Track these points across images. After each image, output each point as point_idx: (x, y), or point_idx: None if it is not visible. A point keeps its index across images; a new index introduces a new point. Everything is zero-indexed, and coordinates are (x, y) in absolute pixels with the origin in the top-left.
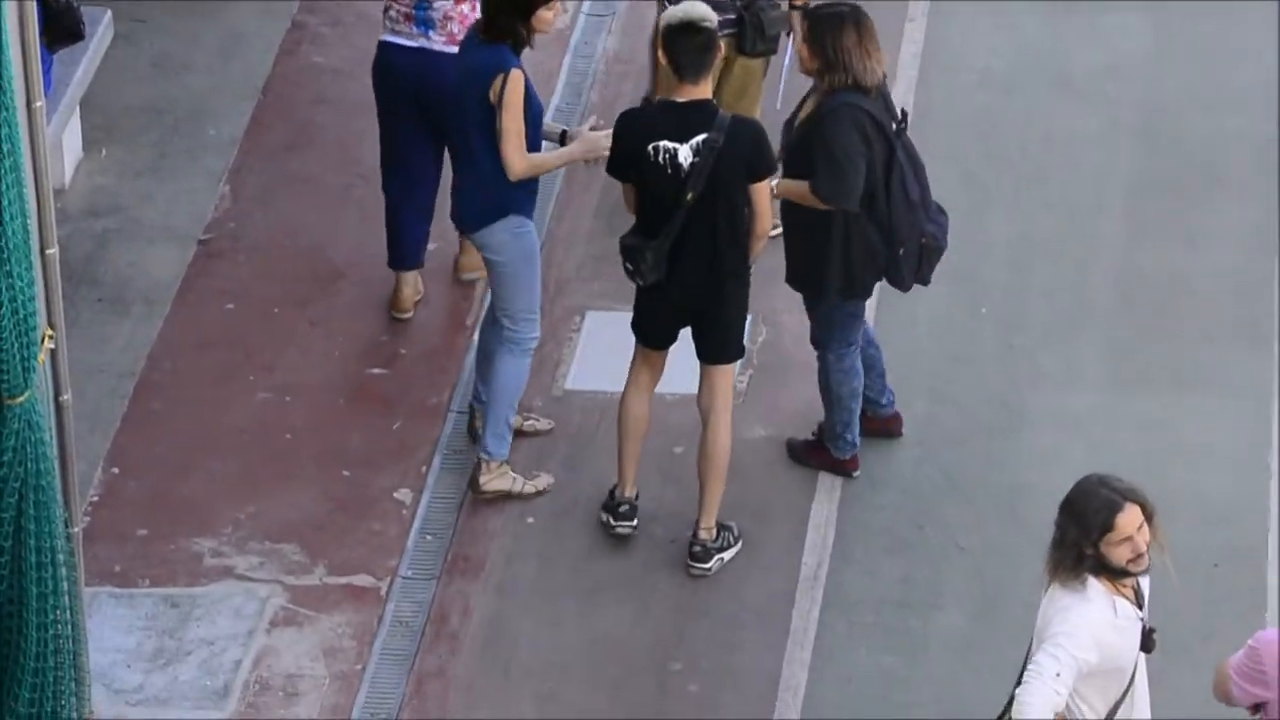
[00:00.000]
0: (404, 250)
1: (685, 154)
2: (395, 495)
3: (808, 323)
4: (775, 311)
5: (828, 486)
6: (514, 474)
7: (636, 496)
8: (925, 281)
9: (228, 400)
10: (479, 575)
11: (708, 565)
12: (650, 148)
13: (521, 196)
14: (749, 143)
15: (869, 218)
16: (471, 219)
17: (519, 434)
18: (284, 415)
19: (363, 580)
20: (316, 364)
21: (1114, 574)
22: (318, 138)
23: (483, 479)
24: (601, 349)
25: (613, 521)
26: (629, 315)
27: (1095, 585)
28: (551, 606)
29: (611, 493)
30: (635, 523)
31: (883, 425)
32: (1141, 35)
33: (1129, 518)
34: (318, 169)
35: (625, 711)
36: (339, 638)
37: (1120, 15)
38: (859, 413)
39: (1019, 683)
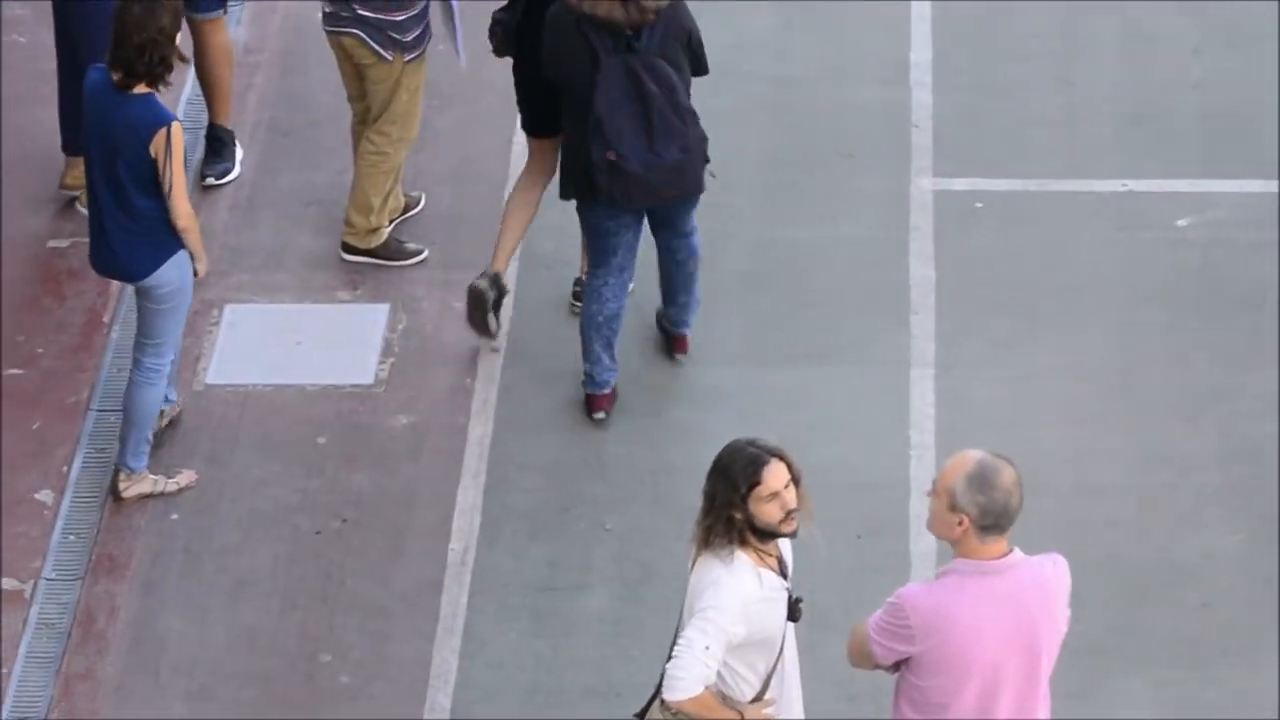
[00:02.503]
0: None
1: None
2: (36, 496)
3: (448, 307)
4: (415, 299)
5: (473, 471)
6: (153, 475)
7: (499, 276)
8: (614, 204)
9: None
10: (124, 574)
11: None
12: None
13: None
14: None
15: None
16: (143, 267)
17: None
18: None
19: (7, 584)
20: None
21: (763, 536)
22: None
23: (122, 486)
24: (241, 342)
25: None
26: (269, 307)
27: (742, 558)
28: (199, 603)
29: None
30: (488, 289)
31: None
32: (769, 10)
33: (776, 472)
34: None
35: (277, 705)
36: None
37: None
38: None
39: (670, 658)
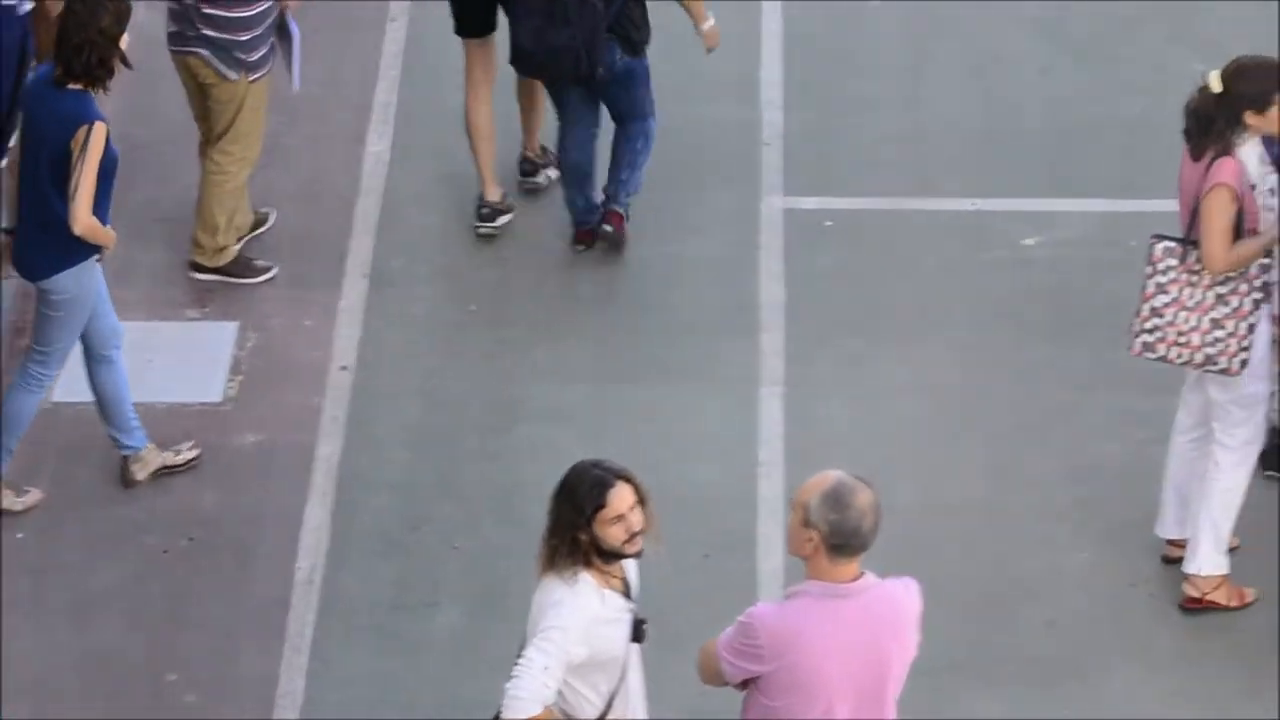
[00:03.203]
0: None
1: None
2: None
3: (298, 324)
4: (264, 316)
5: (321, 490)
6: (163, 452)
7: (501, 198)
8: (519, 72)
9: None
10: None
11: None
12: None
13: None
14: None
15: None
16: (42, 267)
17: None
18: None
19: None
20: None
21: (607, 557)
22: None
23: (135, 469)
24: None
25: (476, 223)
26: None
27: (586, 578)
28: (44, 622)
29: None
30: (497, 224)
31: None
32: None
33: (621, 494)
34: None
35: None
36: None
37: None
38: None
39: (510, 677)
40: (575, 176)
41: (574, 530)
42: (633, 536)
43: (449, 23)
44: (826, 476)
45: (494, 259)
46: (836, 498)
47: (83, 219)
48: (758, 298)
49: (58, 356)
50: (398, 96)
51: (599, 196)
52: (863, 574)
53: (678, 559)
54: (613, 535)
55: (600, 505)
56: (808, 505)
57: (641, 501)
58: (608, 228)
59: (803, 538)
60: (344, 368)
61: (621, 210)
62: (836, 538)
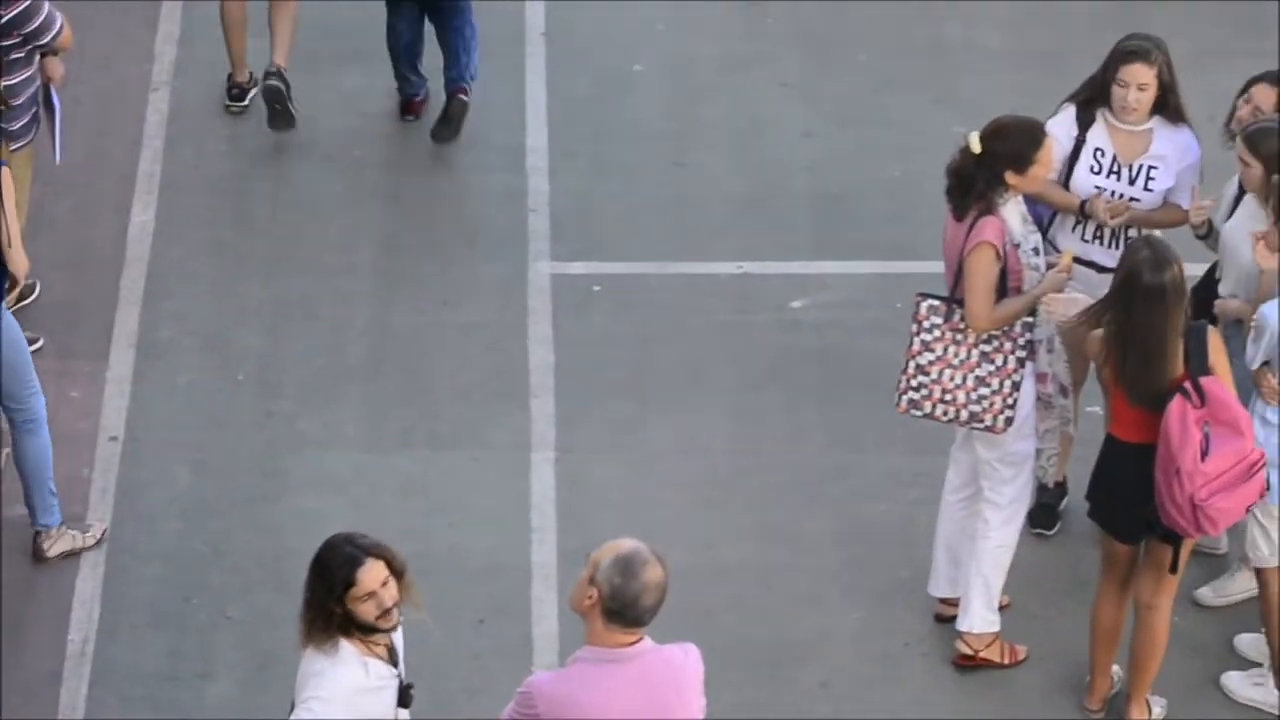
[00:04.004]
0: None
1: None
2: None
3: (65, 396)
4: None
5: (91, 561)
6: (71, 531)
7: (248, 80)
8: None
9: None
10: None
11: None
12: None
13: None
14: None
15: None
16: None
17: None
18: None
19: None
20: None
21: (364, 631)
22: None
23: (45, 545)
24: None
25: (227, 101)
26: None
27: (347, 647)
28: None
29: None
30: (245, 102)
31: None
32: (388, 96)
33: (371, 573)
34: None
35: None
36: None
37: (363, 78)
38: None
39: None
40: (408, 55)
41: (327, 605)
42: (386, 612)
43: (212, 91)
44: (625, 542)
45: (262, 329)
46: (626, 564)
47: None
48: (527, 363)
49: (27, 394)
50: (161, 166)
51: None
52: (641, 638)
53: (452, 625)
54: (365, 611)
55: (350, 583)
56: (598, 564)
57: (398, 574)
58: (463, 98)
59: (584, 593)
60: (113, 438)
61: (467, 86)
62: (614, 602)
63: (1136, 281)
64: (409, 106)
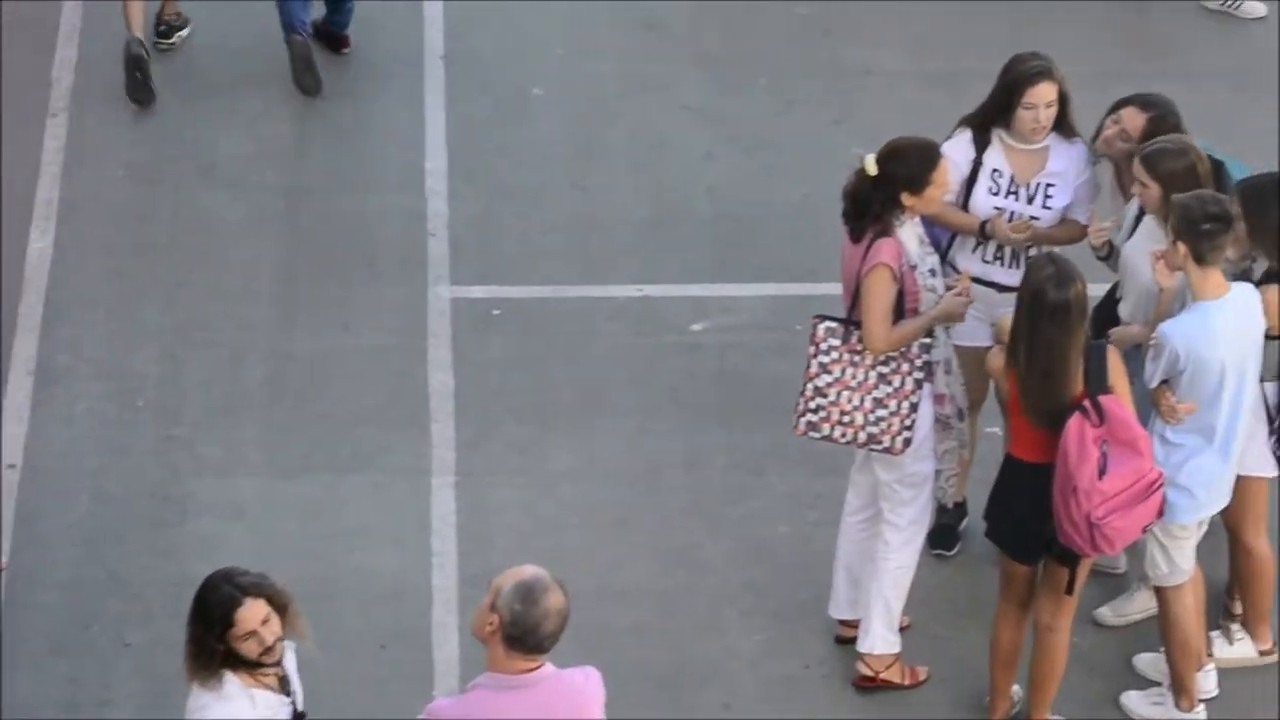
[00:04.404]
0: None
1: None
2: None
3: None
4: None
5: None
6: None
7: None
8: None
9: None
10: None
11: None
12: None
13: None
14: None
15: None
16: None
17: None
18: None
19: None
20: None
21: (250, 666)
22: None
23: None
24: None
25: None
26: None
27: (233, 680)
28: None
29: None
30: (174, 40)
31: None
32: (287, 120)
33: (250, 612)
34: None
35: None
36: None
37: (261, 102)
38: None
39: None
40: (295, 7)
41: (208, 644)
42: (268, 649)
43: (110, 117)
44: (526, 569)
45: (161, 355)
46: (527, 591)
47: None
48: (427, 387)
49: None
50: (60, 192)
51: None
52: (541, 664)
53: (353, 650)
54: (246, 649)
55: (229, 624)
56: (500, 590)
57: (281, 609)
58: (346, 50)
59: (485, 619)
60: (11, 466)
61: (348, 34)
62: (514, 629)
63: (1041, 298)
64: (330, 41)
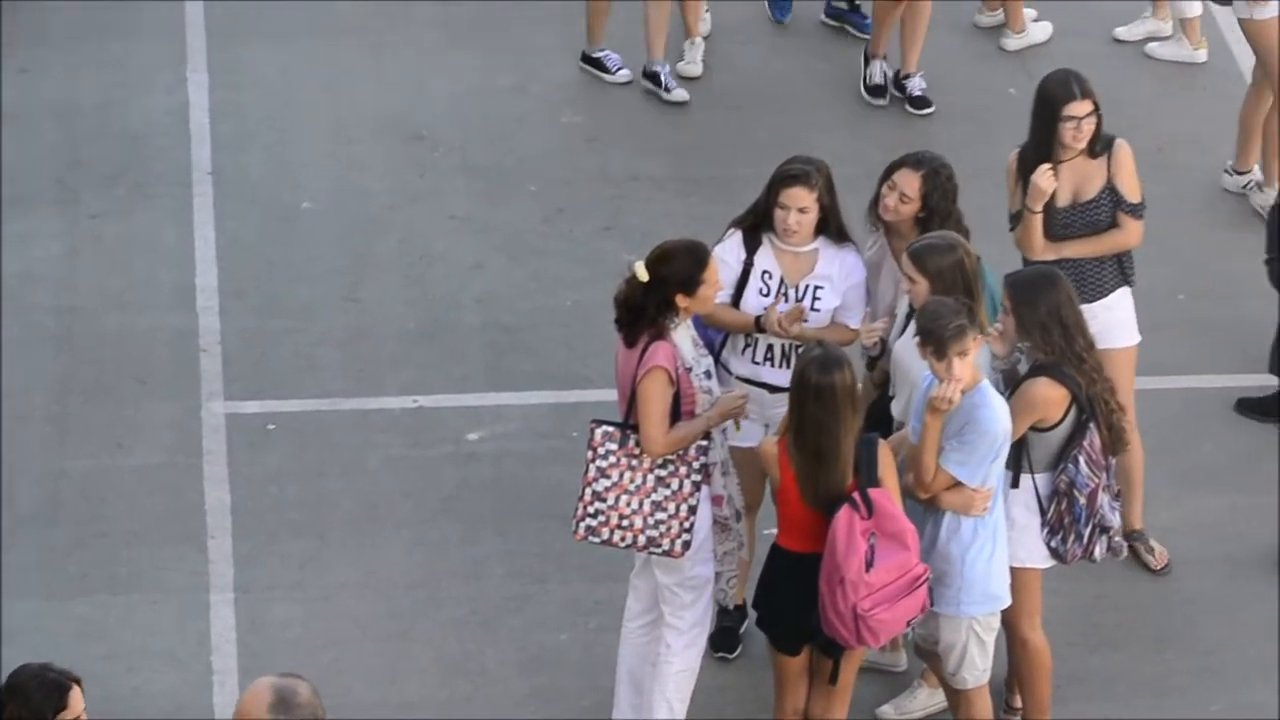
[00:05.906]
0: None
1: None
2: None
3: None
4: None
5: None
6: None
7: None
8: None
9: None
10: None
11: None
12: None
13: None
14: None
15: None
16: None
17: None
18: None
19: None
20: None
21: None
22: None
23: None
24: None
25: None
26: None
27: None
28: None
29: None
30: None
31: None
32: (56, 239)
33: (76, 697)
34: None
35: None
36: None
37: (30, 221)
38: None
39: None
40: None
41: None
42: None
43: None
44: (259, 688)
45: None
46: (282, 701)
47: None
48: (204, 504)
49: None
50: None
51: None
52: None
53: None
54: None
55: (61, 707)
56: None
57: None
58: None
59: None
60: None
61: None
62: None
63: (806, 380)
64: None
